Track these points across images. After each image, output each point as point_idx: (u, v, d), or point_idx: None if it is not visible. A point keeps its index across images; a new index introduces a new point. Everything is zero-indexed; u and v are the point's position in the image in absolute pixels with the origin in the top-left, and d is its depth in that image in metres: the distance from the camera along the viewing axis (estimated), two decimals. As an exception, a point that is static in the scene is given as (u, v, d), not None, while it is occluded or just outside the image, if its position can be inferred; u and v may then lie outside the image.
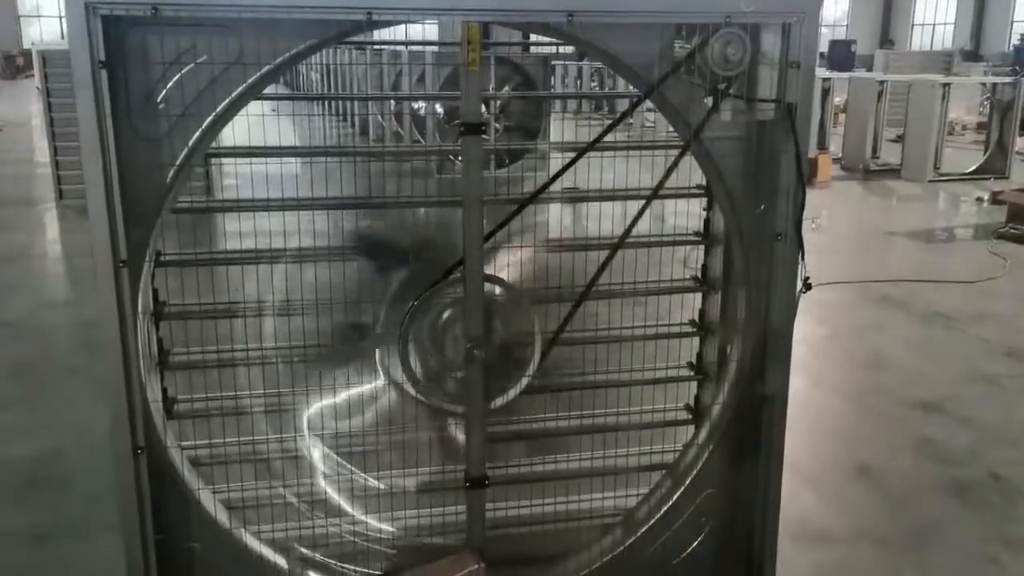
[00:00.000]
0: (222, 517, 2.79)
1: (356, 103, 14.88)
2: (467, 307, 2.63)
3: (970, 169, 13.47)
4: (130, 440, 2.51)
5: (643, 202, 2.79)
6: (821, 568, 3.51)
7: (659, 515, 3.04)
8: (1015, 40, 37.78)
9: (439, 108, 12.63)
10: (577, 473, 3.08)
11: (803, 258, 2.77)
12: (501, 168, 11.35)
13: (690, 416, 3.20)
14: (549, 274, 2.93)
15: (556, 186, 2.83)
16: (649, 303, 3.19)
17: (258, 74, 2.49)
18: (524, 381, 2.75)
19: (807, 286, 2.79)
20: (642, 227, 2.89)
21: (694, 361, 3.24)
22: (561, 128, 13.06)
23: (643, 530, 3.04)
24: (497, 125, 12.94)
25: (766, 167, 2.79)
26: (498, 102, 12.95)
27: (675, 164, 2.73)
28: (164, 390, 2.78)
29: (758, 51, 2.71)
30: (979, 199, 11.65)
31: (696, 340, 3.20)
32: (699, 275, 3.20)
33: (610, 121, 2.99)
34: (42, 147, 12.18)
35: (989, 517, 3.87)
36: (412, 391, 2.76)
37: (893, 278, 7.79)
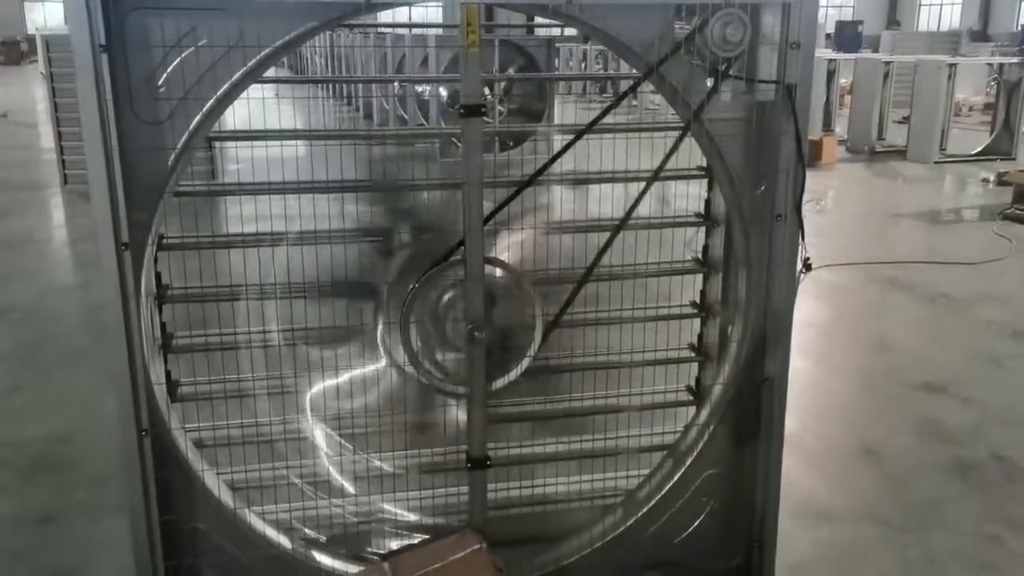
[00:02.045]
0: (226, 498, 2.82)
1: (360, 87, 14.87)
2: (468, 289, 2.63)
3: (976, 150, 13.40)
4: (134, 422, 2.54)
5: (644, 183, 2.79)
6: (823, 546, 3.53)
7: (660, 495, 3.06)
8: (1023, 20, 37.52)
9: (443, 91, 12.61)
10: (579, 454, 3.10)
11: (803, 239, 2.77)
12: (504, 151, 11.36)
13: (691, 397, 3.21)
14: (550, 256, 2.94)
15: (557, 168, 2.84)
16: (650, 285, 3.19)
17: (258, 57, 2.50)
18: (525, 362, 2.76)
19: (807, 267, 2.79)
20: (644, 209, 2.90)
21: (695, 342, 3.26)
22: (564, 111, 13.02)
23: (644, 510, 3.06)
24: (501, 108, 12.93)
25: (766, 148, 2.79)
26: (502, 84, 12.93)
27: (676, 145, 2.73)
28: (168, 373, 2.81)
29: (758, 32, 2.70)
30: (985, 180, 11.62)
31: (697, 321, 3.21)
32: (700, 256, 3.21)
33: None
34: (47, 132, 12.19)
35: (991, 497, 3.88)
36: (414, 372, 2.78)
37: (898, 259, 7.78)
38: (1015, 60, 13.83)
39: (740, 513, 3.08)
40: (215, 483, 2.79)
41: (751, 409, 3.00)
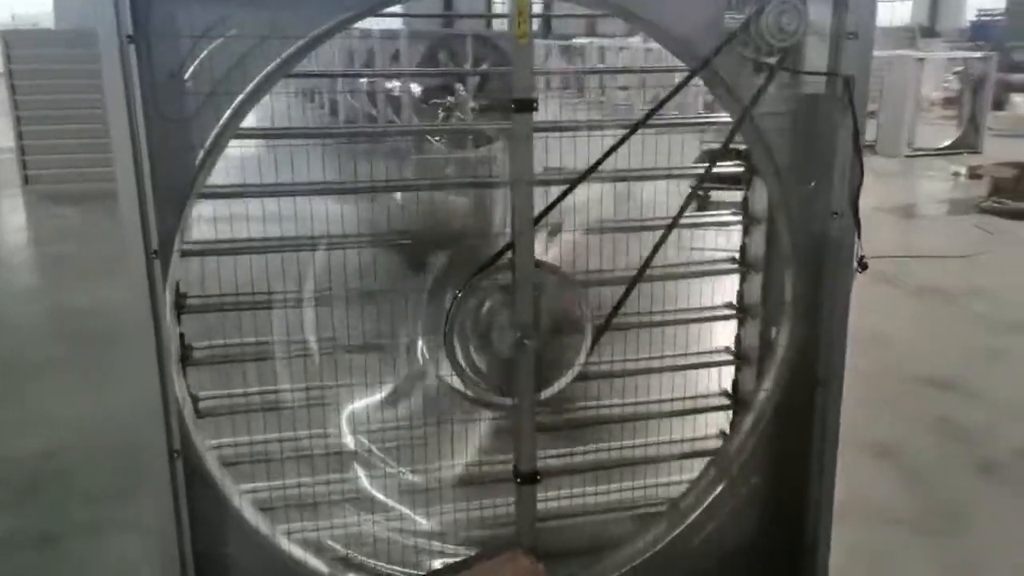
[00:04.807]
0: (255, 518, 2.65)
1: (326, 83, 14.59)
2: (517, 294, 2.49)
3: (945, 144, 13.53)
4: (165, 443, 2.35)
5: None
6: (855, 551, 3.40)
7: (706, 504, 2.94)
8: (971, 16, 38.16)
9: (415, 87, 12.44)
10: (622, 462, 2.98)
11: (859, 236, 2.67)
12: (479, 147, 11.23)
13: (734, 402, 3.11)
14: (591, 257, 2.82)
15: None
16: (681, 286, 3.07)
17: (292, 49, 2.33)
18: (576, 369, 2.63)
19: (863, 265, 2.70)
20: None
21: (733, 345, 3.15)
22: (548, 107, 12.88)
23: (690, 519, 2.94)
24: (474, 104, 12.79)
25: (817, 143, 2.69)
26: (476, 79, 12.81)
27: (728, 141, 2.62)
28: (187, 387, 2.62)
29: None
30: (956, 174, 11.70)
31: (737, 324, 3.10)
32: (737, 256, 3.10)
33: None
34: (4, 131, 11.76)
35: (1021, 493, 3.82)
36: (457, 384, 2.63)
37: (881, 254, 7.75)
38: (979, 55, 13.98)
39: (789, 520, 2.97)
40: (244, 502, 2.63)
41: (799, 413, 2.90)
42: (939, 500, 3.78)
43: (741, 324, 3.14)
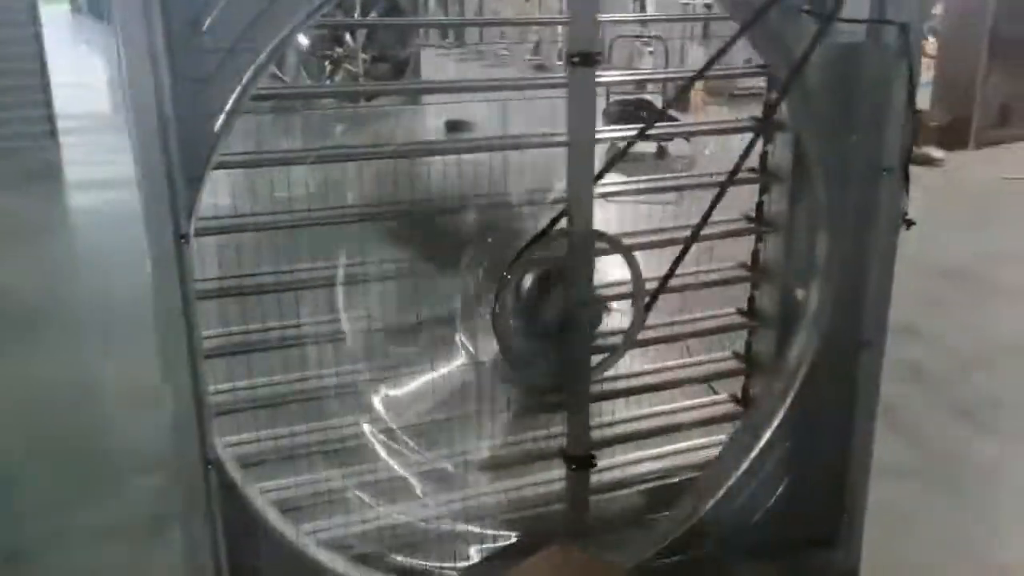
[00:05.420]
0: (279, 520, 2.39)
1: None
2: (573, 266, 2.30)
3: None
4: (199, 453, 2.05)
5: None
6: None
7: (740, 471, 2.86)
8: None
9: (302, 39, 11.88)
10: (663, 429, 2.88)
11: (908, 193, 2.59)
12: (369, 100, 10.83)
13: (754, 365, 3.02)
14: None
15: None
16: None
17: (329, -6, 2.05)
18: (626, 340, 2.46)
19: (908, 223, 2.63)
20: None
21: (745, 308, 3.06)
22: (433, 62, 12.58)
23: (724, 487, 2.85)
24: (365, 56, 12.36)
25: (860, 95, 2.58)
26: (365, 32, 12.38)
27: (779, 100, 2.48)
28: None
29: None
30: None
31: (761, 285, 3.00)
32: (754, 215, 2.98)
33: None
34: None
35: (1011, 440, 3.89)
36: (499, 367, 2.42)
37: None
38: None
39: (824, 484, 2.91)
40: (267, 505, 2.37)
41: (835, 375, 2.83)
42: (934, 451, 3.80)
43: (755, 286, 3.05)
